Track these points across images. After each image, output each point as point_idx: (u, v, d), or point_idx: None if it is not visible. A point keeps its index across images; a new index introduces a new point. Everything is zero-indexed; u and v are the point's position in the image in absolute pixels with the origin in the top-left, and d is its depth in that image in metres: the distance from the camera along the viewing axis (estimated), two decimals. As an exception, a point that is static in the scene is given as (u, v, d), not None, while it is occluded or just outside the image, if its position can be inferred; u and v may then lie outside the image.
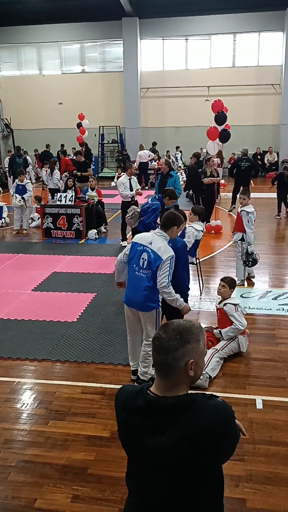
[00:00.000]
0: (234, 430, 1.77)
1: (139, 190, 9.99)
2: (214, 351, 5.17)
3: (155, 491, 1.73)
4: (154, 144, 21.52)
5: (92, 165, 22.59)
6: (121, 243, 10.27)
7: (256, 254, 7.53)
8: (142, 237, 4.59)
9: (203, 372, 4.84)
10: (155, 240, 4.44)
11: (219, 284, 5.67)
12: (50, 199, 13.25)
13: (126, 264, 4.66)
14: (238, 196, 7.73)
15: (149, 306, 4.47)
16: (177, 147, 21.49)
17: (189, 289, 5.07)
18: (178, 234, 4.70)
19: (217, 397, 1.77)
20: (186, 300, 4.88)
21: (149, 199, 8.23)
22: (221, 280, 5.69)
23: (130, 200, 9.63)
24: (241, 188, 13.54)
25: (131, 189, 9.77)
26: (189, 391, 1.77)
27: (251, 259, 7.43)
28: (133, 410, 1.77)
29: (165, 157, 17.68)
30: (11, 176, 16.34)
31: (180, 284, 4.78)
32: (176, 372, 1.72)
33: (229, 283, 5.59)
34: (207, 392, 1.80)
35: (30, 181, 13.42)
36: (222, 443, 1.70)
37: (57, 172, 13.48)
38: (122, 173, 20.66)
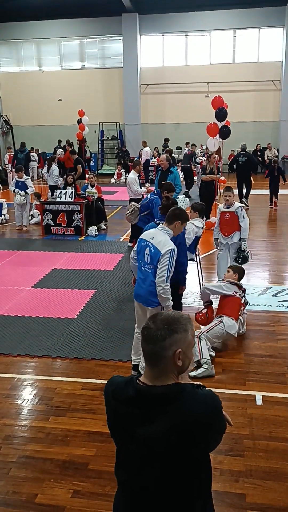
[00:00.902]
0: (221, 420, 1.79)
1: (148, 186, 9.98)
2: (199, 333, 5.16)
3: (145, 483, 1.74)
4: (167, 140, 21.32)
5: (91, 162, 22.65)
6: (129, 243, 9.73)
7: (248, 252, 7.35)
8: (147, 233, 4.64)
9: (205, 359, 4.87)
10: (157, 235, 4.47)
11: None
12: (50, 196, 13.24)
13: (136, 261, 4.71)
14: (223, 193, 7.60)
15: (153, 301, 4.47)
16: (187, 143, 21.10)
17: (187, 272, 5.37)
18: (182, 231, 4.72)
19: (205, 387, 1.79)
20: (184, 283, 5.30)
21: (149, 195, 8.23)
22: (228, 267, 5.99)
23: (141, 197, 9.54)
24: (242, 185, 13.95)
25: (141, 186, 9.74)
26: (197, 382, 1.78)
27: (241, 256, 7.33)
28: (123, 400, 1.79)
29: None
30: (12, 171, 16.43)
31: (180, 268, 5.05)
32: (164, 362, 1.74)
33: (233, 268, 5.82)
34: (195, 382, 1.81)
35: (29, 177, 13.36)
36: (209, 432, 1.72)
37: (56, 169, 13.47)
38: (122, 170, 20.69)
